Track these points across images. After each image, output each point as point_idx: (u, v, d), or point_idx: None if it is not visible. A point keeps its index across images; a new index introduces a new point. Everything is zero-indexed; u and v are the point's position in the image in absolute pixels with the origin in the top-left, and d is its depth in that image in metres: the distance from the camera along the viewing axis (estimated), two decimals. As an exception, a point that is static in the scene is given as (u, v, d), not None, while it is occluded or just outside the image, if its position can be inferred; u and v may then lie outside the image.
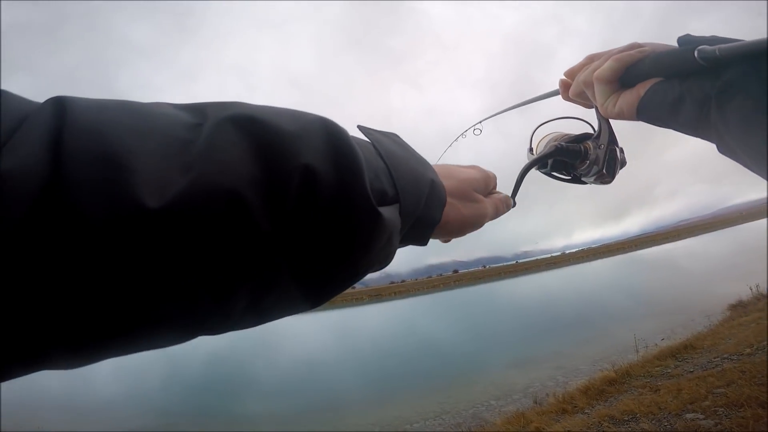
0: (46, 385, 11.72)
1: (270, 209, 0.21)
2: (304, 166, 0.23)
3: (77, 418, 8.38)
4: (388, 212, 0.27)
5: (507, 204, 0.46)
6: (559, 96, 0.59)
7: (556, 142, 0.61)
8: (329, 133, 0.25)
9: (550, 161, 0.61)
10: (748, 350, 3.84)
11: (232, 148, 0.21)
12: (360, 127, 0.32)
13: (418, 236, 0.34)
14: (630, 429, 2.99)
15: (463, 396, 8.04)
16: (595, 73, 0.48)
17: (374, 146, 0.30)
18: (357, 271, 0.27)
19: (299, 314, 0.28)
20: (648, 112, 0.46)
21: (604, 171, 0.55)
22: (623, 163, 0.57)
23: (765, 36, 0.36)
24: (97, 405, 9.59)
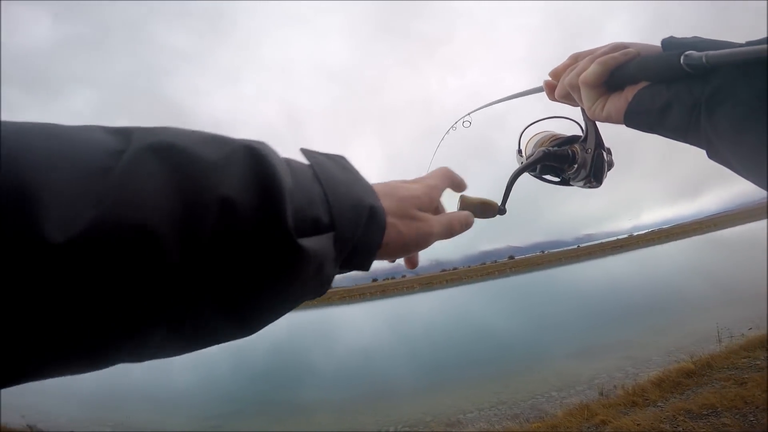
0: (130, 376, 13.24)
1: (183, 242, 0.21)
2: (222, 198, 0.22)
3: (157, 406, 9.23)
4: (317, 242, 0.26)
5: (466, 223, 0.43)
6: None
7: (543, 147, 0.62)
8: (254, 161, 0.24)
9: (538, 165, 0.60)
10: None
11: (148, 178, 0.21)
12: (303, 150, 0.32)
13: (358, 262, 0.32)
14: (710, 424, 2.72)
15: (521, 386, 7.82)
16: (581, 77, 0.48)
17: (314, 171, 0.29)
18: (286, 300, 0.27)
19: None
20: (636, 118, 0.46)
21: (590, 176, 0.55)
22: (611, 165, 0.56)
23: (751, 42, 0.37)
24: (175, 394, 10.52)
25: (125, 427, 7.32)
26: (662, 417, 3.17)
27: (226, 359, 16.70)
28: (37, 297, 0.18)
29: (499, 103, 0.80)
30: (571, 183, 0.60)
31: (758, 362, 3.90)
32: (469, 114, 0.88)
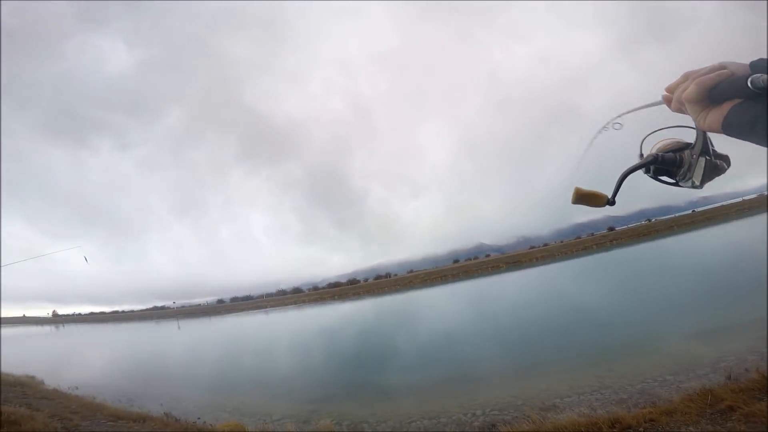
0: (241, 366, 14.93)
1: None
2: None
3: (264, 392, 10.21)
4: None
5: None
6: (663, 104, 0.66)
7: (655, 151, 0.70)
8: None
9: (652, 167, 0.69)
10: None
11: None
12: None
13: None
14: None
15: (628, 370, 7.27)
16: (683, 95, 0.57)
17: None
18: None
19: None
20: (732, 130, 0.53)
21: (693, 179, 0.64)
22: (721, 170, 0.64)
23: None
24: (278, 380, 11.47)
25: (240, 411, 8.24)
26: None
27: (321, 346, 18.01)
28: None
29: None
30: (680, 184, 0.68)
31: None
32: (620, 116, 0.92)
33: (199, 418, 7.26)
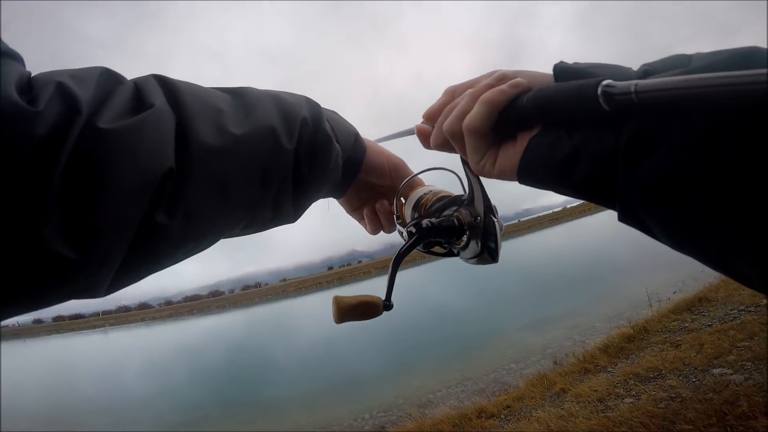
0: (82, 388, 12.19)
1: (289, 138, 0.41)
2: (303, 116, 0.43)
3: (116, 420, 8.66)
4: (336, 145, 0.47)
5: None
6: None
7: (423, 214, 0.52)
8: (308, 100, 0.46)
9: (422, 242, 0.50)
10: (765, 300, 3.90)
11: (266, 105, 0.41)
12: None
13: (349, 173, 0.52)
14: (658, 386, 3.10)
15: (482, 361, 8.17)
16: (464, 123, 0.38)
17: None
18: (329, 170, 0.47)
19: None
20: (532, 174, 0.36)
21: (483, 252, 0.45)
22: (501, 228, 0.45)
23: (678, 64, 0.30)
24: (129, 404, 9.92)
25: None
26: (615, 382, 3.55)
27: (186, 365, 15.88)
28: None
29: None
30: (460, 257, 0.51)
31: (686, 324, 4.48)
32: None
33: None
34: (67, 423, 8.57)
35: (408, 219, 0.56)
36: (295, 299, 50.64)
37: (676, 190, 0.26)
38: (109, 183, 0.28)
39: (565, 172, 0.33)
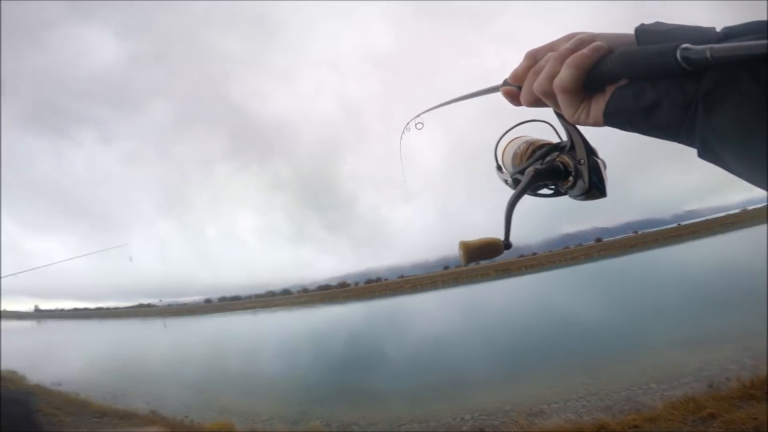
0: (225, 365, 14.74)
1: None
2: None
3: (251, 393, 10.08)
4: None
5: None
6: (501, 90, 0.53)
7: (527, 162, 0.58)
8: None
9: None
10: None
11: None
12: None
13: None
14: None
15: (614, 377, 7.35)
16: (555, 84, 0.43)
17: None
18: None
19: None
20: (617, 117, 0.41)
21: (591, 189, 0.50)
22: (604, 168, 0.50)
23: (750, 29, 0.34)
24: (261, 379, 11.47)
25: (228, 410, 8.17)
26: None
27: (310, 348, 17.86)
28: None
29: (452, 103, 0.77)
30: (568, 195, 0.54)
31: None
32: (419, 115, 0.90)
33: (186, 416, 7.21)
34: (210, 391, 10.36)
35: (509, 167, 0.64)
36: (410, 296, 52.02)
37: (748, 132, 0.32)
38: None
39: (649, 116, 0.38)
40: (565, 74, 0.41)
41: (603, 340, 10.43)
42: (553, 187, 0.56)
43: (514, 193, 0.54)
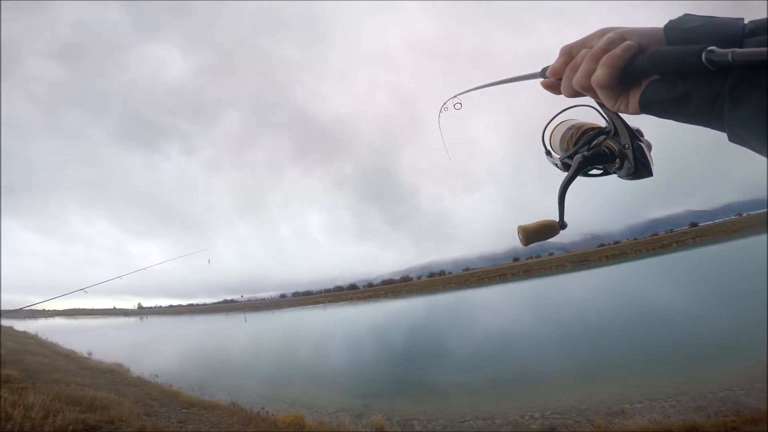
0: (296, 360, 15.53)
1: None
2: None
3: (318, 385, 10.51)
4: None
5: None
6: (539, 78, 0.57)
7: (574, 148, 0.62)
8: None
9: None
10: None
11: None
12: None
13: None
14: None
15: (710, 377, 6.65)
16: (594, 81, 0.47)
17: None
18: None
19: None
20: (652, 107, 0.45)
21: (638, 170, 0.54)
22: (649, 148, 0.55)
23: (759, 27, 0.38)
24: (331, 375, 11.80)
25: (298, 402, 8.63)
26: None
27: (373, 342, 18.24)
28: None
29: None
30: (617, 175, 0.59)
31: None
32: (456, 96, 0.92)
33: (263, 408, 7.70)
34: (281, 384, 10.94)
35: (557, 151, 0.68)
36: (476, 289, 50.54)
37: None
38: None
39: (680, 107, 0.42)
40: (600, 73, 0.46)
41: (697, 337, 9.33)
42: (601, 168, 0.60)
43: (564, 179, 0.59)
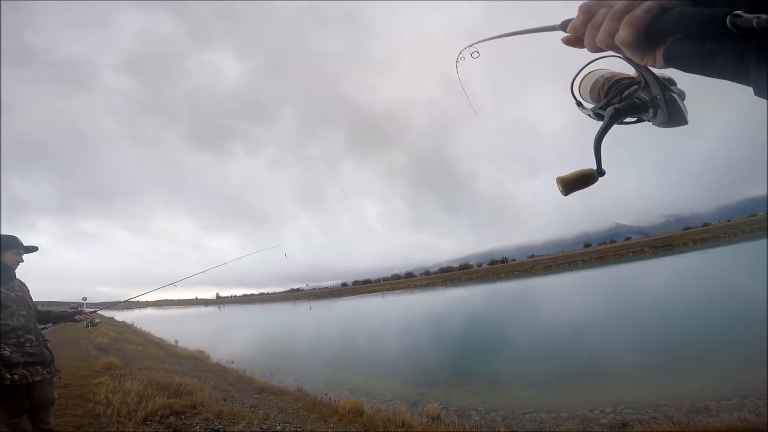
0: (356, 347, 15.88)
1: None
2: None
3: (376, 373, 10.62)
4: None
5: None
6: (558, 30, 0.57)
7: (611, 107, 0.60)
8: None
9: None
10: None
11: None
12: None
13: None
14: None
15: None
16: (618, 40, 0.47)
17: None
18: None
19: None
20: (678, 63, 0.45)
21: (673, 119, 0.55)
22: (683, 96, 0.55)
23: None
24: (389, 362, 11.86)
25: (358, 389, 8.86)
26: None
27: (430, 330, 18.18)
28: None
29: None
30: (652, 123, 0.59)
31: None
32: (472, 45, 0.91)
33: (326, 394, 8.07)
34: (342, 371, 11.24)
35: (588, 100, 0.68)
36: (542, 277, 47.96)
37: None
38: None
39: (707, 62, 0.42)
40: (624, 33, 0.46)
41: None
42: (635, 116, 0.60)
43: (599, 130, 0.59)
